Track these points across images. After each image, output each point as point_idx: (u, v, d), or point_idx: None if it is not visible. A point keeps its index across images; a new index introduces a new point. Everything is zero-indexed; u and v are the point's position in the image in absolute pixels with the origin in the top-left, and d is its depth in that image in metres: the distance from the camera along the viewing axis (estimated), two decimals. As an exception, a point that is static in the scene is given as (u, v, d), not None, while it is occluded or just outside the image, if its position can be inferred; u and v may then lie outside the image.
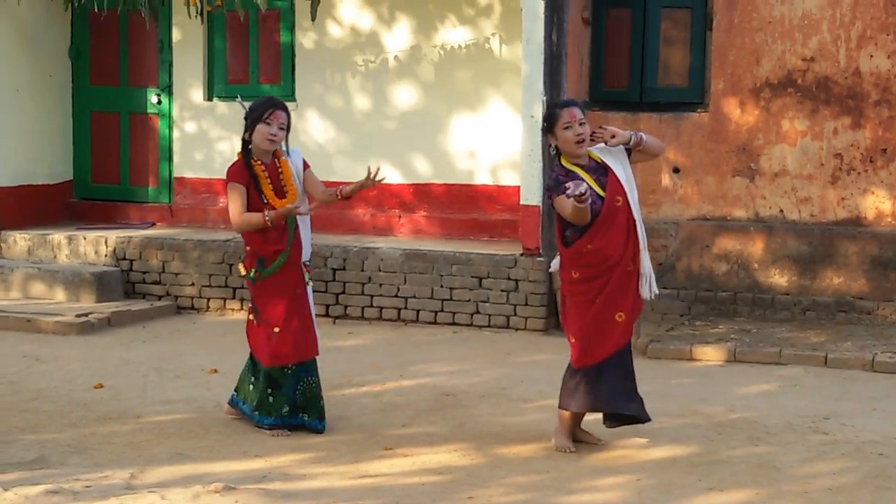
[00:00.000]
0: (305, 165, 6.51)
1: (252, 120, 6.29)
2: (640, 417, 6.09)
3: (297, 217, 6.31)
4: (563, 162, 5.97)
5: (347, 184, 6.45)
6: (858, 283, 9.44)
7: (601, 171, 5.96)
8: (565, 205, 5.76)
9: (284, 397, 6.35)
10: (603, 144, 6.00)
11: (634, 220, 5.95)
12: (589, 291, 5.95)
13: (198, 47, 11.11)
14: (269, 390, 6.35)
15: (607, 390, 5.96)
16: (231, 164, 6.43)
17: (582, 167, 5.96)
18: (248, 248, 6.40)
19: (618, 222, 5.91)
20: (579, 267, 5.95)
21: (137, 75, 11.38)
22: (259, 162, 6.32)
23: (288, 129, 6.35)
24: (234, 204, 6.29)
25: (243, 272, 6.41)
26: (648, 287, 5.99)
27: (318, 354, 6.46)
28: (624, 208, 5.93)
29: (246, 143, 6.33)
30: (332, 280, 9.68)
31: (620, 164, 6.00)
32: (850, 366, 8.00)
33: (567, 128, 5.91)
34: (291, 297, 6.34)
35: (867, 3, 9.41)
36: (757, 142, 9.73)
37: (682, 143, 9.89)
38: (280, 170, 6.35)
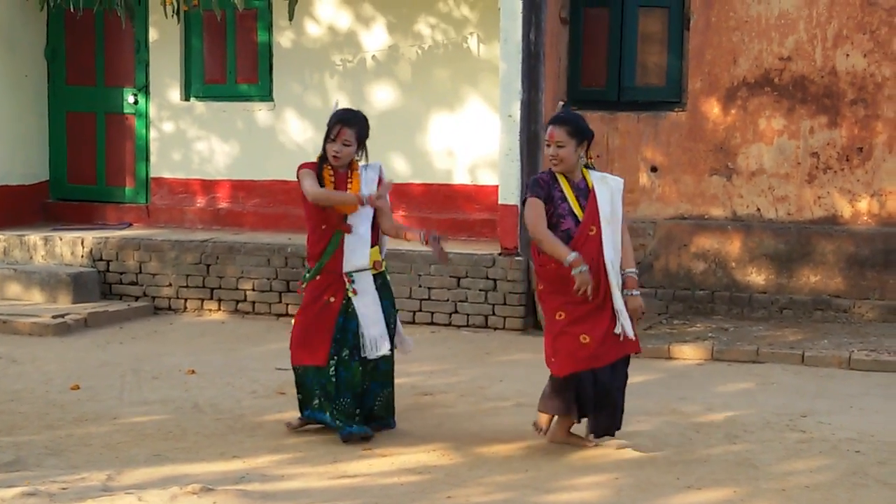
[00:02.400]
0: (380, 182, 6.36)
1: (325, 136, 6.30)
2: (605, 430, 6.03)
3: (349, 232, 6.24)
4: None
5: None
6: (835, 281, 9.48)
7: (585, 195, 5.89)
8: (531, 213, 5.79)
9: (307, 392, 6.36)
10: (601, 174, 5.93)
11: (604, 257, 5.82)
12: (554, 302, 5.90)
13: (175, 47, 11.07)
14: (297, 386, 6.44)
15: (573, 399, 5.90)
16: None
17: (570, 182, 5.90)
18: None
19: (586, 251, 5.79)
20: (541, 279, 5.93)
21: (114, 75, 11.34)
22: (331, 169, 6.31)
23: (360, 145, 6.30)
24: (307, 183, 6.23)
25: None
26: (622, 326, 5.82)
27: (314, 363, 6.25)
28: (596, 239, 5.83)
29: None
30: (310, 280, 9.66)
31: (610, 198, 5.88)
32: (826, 364, 8.04)
33: (547, 145, 5.90)
34: (314, 304, 6.28)
35: (843, 3, 9.46)
36: (734, 141, 9.77)
37: (660, 142, 9.91)
38: (350, 181, 6.31)
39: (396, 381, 7.54)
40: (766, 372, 7.91)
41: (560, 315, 5.87)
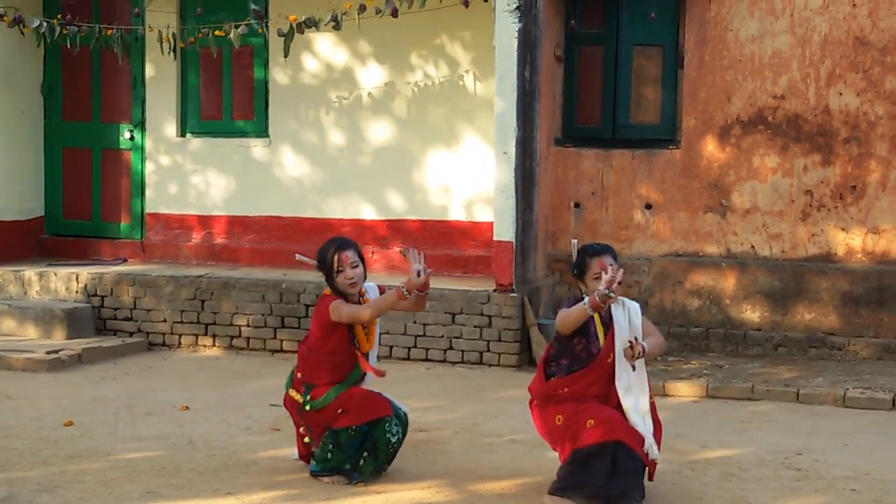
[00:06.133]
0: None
1: (327, 273, 6.01)
2: None
3: (379, 374, 6.08)
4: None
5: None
6: (829, 318, 9.50)
7: (608, 322, 5.74)
8: (569, 313, 5.57)
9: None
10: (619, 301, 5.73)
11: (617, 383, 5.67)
12: (552, 410, 5.76)
13: (171, 83, 11.11)
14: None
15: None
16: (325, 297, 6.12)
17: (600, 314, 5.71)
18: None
19: (602, 375, 5.68)
20: (542, 398, 5.78)
21: (110, 111, 11.37)
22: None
23: (363, 260, 6.08)
24: (347, 309, 5.94)
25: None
26: (650, 446, 5.63)
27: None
28: (611, 366, 5.68)
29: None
30: (305, 316, 9.65)
31: (625, 325, 5.71)
32: (821, 401, 8.03)
33: (597, 278, 5.62)
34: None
35: (836, 42, 9.53)
36: (728, 178, 9.81)
37: (655, 179, 9.95)
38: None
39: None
40: (761, 409, 7.90)
41: (559, 419, 5.71)
